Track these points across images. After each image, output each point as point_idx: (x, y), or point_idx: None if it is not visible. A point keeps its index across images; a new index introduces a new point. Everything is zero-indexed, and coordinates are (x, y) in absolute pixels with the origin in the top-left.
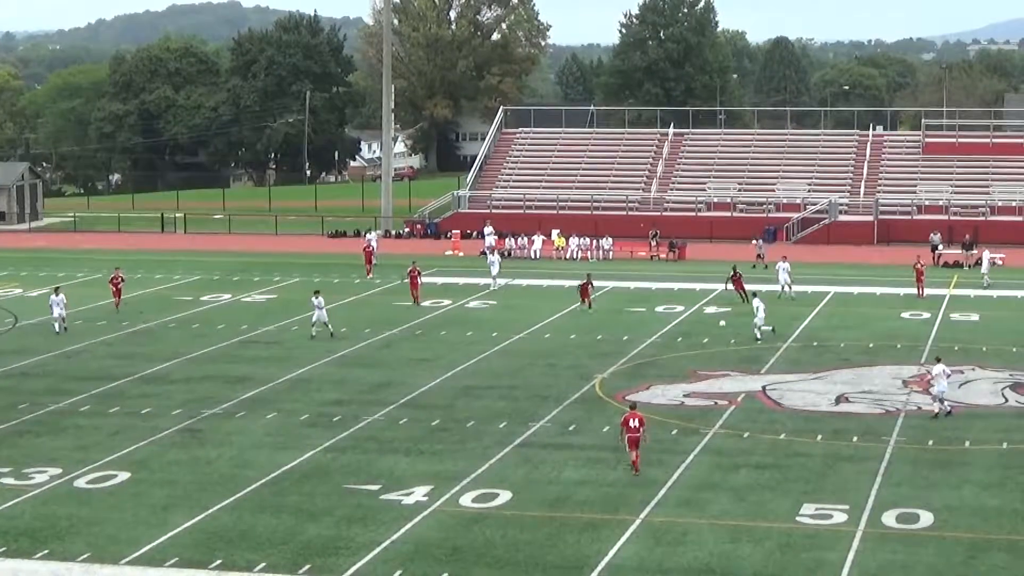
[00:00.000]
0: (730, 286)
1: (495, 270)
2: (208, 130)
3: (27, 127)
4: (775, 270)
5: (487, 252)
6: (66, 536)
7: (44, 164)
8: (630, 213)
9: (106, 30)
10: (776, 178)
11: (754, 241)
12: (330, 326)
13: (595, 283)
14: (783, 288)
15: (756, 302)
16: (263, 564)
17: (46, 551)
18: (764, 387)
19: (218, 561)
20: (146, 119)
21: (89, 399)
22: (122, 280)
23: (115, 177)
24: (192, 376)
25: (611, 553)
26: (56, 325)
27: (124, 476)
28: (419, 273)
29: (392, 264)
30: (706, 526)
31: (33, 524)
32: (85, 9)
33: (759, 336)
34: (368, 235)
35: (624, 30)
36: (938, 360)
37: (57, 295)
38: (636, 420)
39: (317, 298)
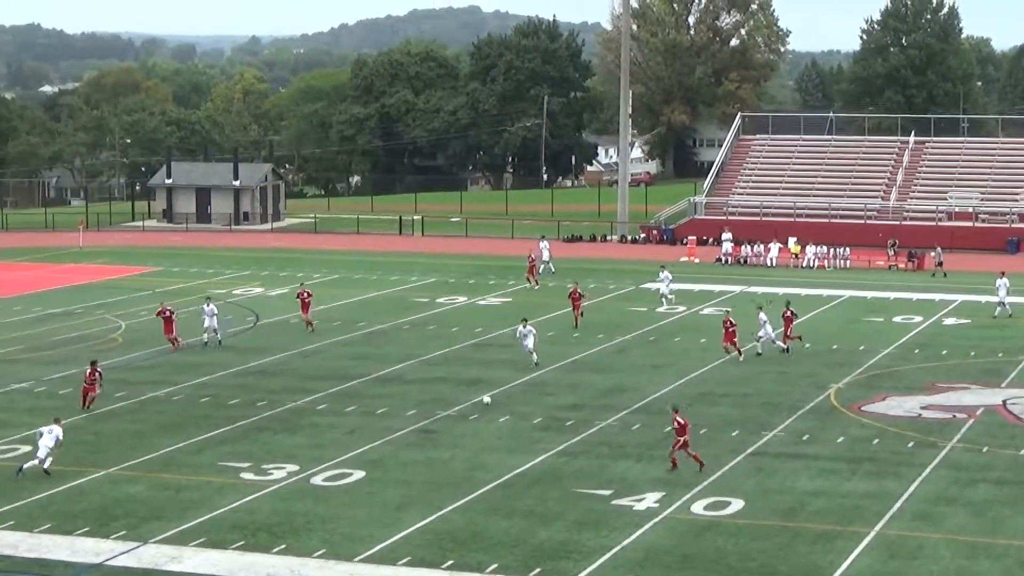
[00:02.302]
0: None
1: (664, 287)
2: (447, 133)
3: (271, 129)
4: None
5: (722, 258)
6: (302, 532)
7: (287, 166)
8: (868, 222)
9: (348, 34)
10: (1021, 188)
11: (931, 253)
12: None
13: (827, 292)
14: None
15: (760, 316)
16: (494, 566)
17: (283, 546)
18: (1004, 401)
19: (450, 562)
20: (386, 122)
21: (326, 398)
22: (308, 295)
23: (355, 179)
24: (426, 377)
25: (844, 565)
26: (206, 336)
27: (359, 475)
28: (580, 296)
29: (571, 269)
30: (942, 541)
31: (271, 519)
32: (328, 14)
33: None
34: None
35: (865, 36)
36: None
37: (208, 305)
38: (682, 419)
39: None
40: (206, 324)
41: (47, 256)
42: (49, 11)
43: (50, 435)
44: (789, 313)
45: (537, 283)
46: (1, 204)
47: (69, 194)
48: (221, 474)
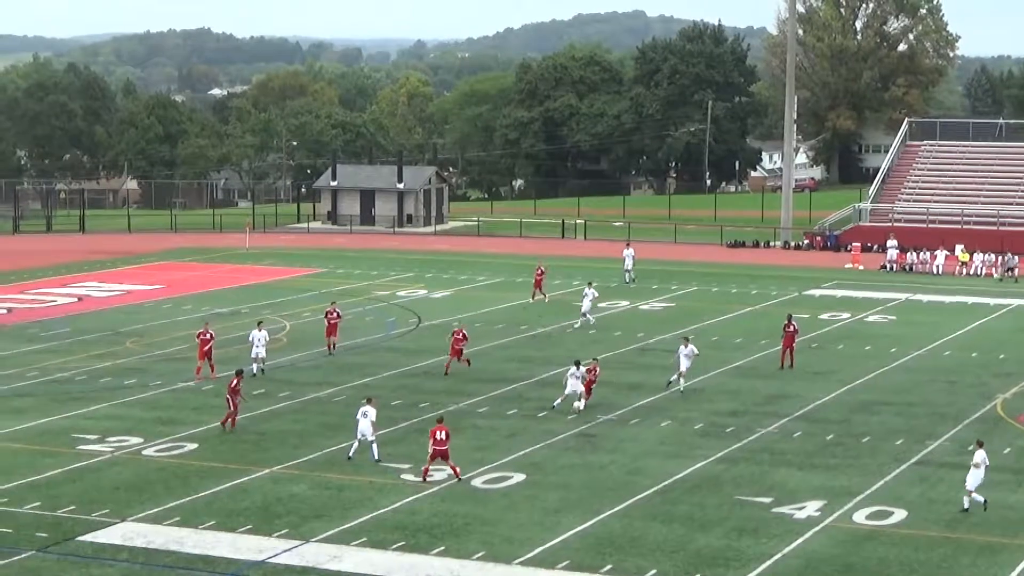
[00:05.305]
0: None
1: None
2: (610, 138)
3: (435, 132)
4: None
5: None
6: (462, 534)
7: (450, 169)
8: None
9: (513, 38)
10: None
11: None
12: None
13: (994, 301)
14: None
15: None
16: (653, 571)
17: (442, 547)
18: None
19: (608, 566)
20: (549, 126)
21: (487, 400)
22: (338, 316)
23: (518, 183)
24: None
25: None
26: (255, 366)
27: (519, 478)
28: (464, 338)
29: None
30: None
31: (431, 520)
32: (493, 18)
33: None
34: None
35: None
36: None
37: (260, 330)
38: (443, 433)
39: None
40: (253, 353)
41: (215, 256)
42: (219, 15)
43: (365, 419)
44: (792, 328)
45: (535, 297)
46: (171, 205)
47: (236, 195)
48: (382, 475)
